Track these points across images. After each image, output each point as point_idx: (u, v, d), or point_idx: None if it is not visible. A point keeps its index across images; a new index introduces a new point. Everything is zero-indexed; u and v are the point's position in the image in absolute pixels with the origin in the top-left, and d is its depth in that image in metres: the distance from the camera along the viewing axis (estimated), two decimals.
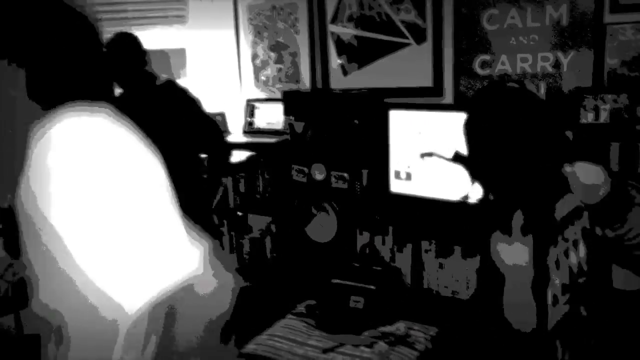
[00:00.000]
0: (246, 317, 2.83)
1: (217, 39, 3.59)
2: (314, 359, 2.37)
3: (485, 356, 1.91)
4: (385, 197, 2.84)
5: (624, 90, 2.23)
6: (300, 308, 2.80)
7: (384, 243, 2.86)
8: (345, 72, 3.19)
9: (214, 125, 3.15)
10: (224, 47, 3.61)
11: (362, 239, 2.93)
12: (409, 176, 2.78)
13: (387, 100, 2.86)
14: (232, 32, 3.58)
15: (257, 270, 3.31)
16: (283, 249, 3.24)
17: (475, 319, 2.13)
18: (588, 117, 2.27)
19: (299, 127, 3.02)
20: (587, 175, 1.32)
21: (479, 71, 2.77)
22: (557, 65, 2.55)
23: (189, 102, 3.00)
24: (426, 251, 2.76)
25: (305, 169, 3.02)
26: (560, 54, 2.55)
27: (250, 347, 2.49)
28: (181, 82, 3.22)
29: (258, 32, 3.49)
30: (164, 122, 2.67)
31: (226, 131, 3.49)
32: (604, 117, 2.22)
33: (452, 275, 2.70)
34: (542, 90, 2.60)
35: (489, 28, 2.74)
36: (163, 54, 3.62)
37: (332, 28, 3.20)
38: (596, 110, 2.23)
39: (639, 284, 1.57)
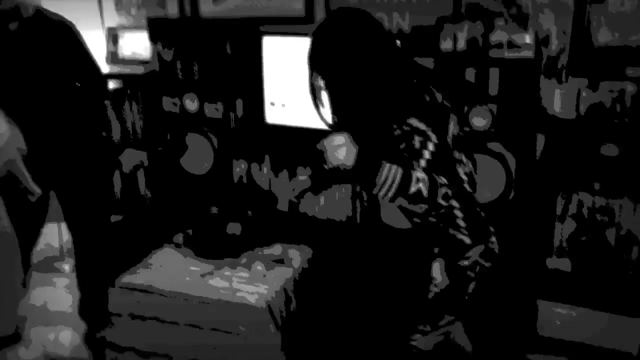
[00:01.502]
0: (121, 250, 2.77)
1: None
2: (192, 284, 2.38)
3: (357, 274, 2.06)
4: (260, 126, 2.86)
5: (479, 18, 2.42)
6: (178, 238, 2.78)
7: (260, 170, 2.90)
8: None
9: (94, 66, 2.80)
10: None
11: (239, 168, 2.94)
12: (284, 105, 2.81)
13: (259, 27, 2.82)
14: None
15: (131, 205, 3.20)
16: (158, 183, 3.15)
17: (350, 239, 2.27)
18: (447, 45, 2.44)
19: (168, 55, 2.89)
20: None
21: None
22: None
23: (66, 37, 2.46)
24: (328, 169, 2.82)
25: (177, 100, 2.92)
26: None
27: (125, 278, 2.43)
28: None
29: None
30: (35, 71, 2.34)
31: None
32: (461, 44, 2.40)
33: (326, 200, 2.82)
34: (407, 20, 2.74)
35: None
36: None
37: None
38: (454, 37, 2.40)
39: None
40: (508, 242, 2.30)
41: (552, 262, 2.26)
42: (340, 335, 2.50)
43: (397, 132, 1.61)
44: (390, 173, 1.52)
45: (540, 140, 2.43)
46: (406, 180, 1.52)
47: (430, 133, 1.58)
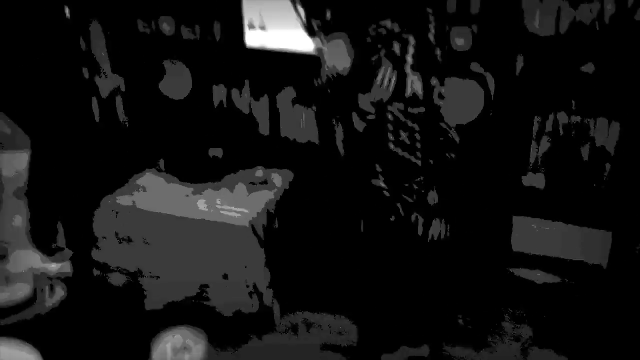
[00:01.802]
0: (103, 175, 2.77)
1: None
2: (176, 205, 2.42)
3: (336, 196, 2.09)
4: (240, 50, 2.80)
5: None
6: (160, 164, 2.78)
7: (241, 96, 2.87)
8: None
9: None
10: None
11: (219, 93, 2.91)
12: (263, 27, 2.75)
13: None
14: None
15: (110, 133, 3.16)
16: (136, 109, 3.11)
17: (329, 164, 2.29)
18: None
19: None
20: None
21: None
22: None
23: None
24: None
25: (153, 23, 2.83)
26: None
27: (109, 200, 2.45)
28: None
29: None
30: None
31: None
32: None
33: (307, 123, 2.82)
34: None
35: None
36: None
37: None
38: None
39: None
40: (486, 161, 2.38)
41: (528, 180, 2.32)
42: (320, 252, 2.58)
43: (372, 34, 1.63)
44: (386, 74, 1.53)
45: (520, 59, 2.45)
46: (401, 82, 1.54)
47: (407, 36, 1.59)
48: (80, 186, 2.64)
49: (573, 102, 2.17)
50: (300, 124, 2.79)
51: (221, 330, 2.32)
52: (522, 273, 2.46)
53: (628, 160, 2.16)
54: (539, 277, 2.42)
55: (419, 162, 1.83)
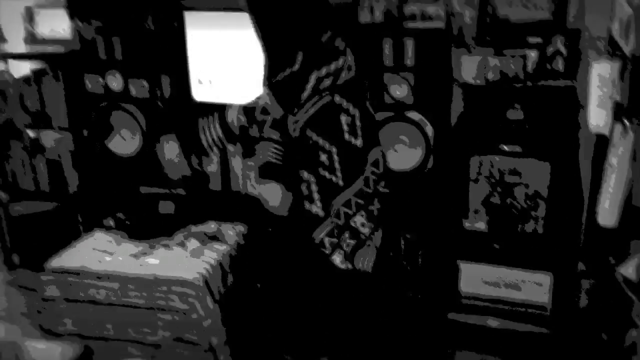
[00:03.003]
0: (50, 238, 2.72)
1: None
2: (126, 264, 2.39)
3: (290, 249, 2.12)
4: (188, 104, 2.85)
5: None
6: (109, 222, 2.75)
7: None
8: None
9: None
10: None
11: (170, 148, 2.92)
12: (211, 82, 2.80)
13: (182, 2, 2.79)
14: None
15: (57, 192, 3.12)
16: (85, 166, 3.09)
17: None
18: (365, 17, 2.51)
19: (89, 33, 2.81)
20: None
21: None
22: None
23: None
24: (234, 155, 2.86)
25: (100, 79, 2.85)
26: None
27: (55, 262, 2.40)
28: None
29: None
30: None
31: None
32: (378, 16, 2.48)
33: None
34: None
35: None
36: None
37: None
38: (372, 10, 2.47)
39: None
40: (428, 205, 2.45)
41: (469, 224, 2.41)
42: (276, 306, 2.57)
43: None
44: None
45: (455, 106, 2.58)
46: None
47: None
48: (26, 248, 2.59)
49: (504, 146, 2.29)
50: (249, 177, 2.82)
51: None
52: (470, 318, 2.52)
53: (559, 200, 2.27)
54: (488, 322, 2.48)
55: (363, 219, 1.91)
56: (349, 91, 1.83)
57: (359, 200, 1.90)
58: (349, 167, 1.86)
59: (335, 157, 1.84)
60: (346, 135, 1.84)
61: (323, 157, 1.84)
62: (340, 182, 1.86)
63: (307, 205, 1.91)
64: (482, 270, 2.44)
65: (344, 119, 1.83)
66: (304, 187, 1.89)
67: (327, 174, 1.86)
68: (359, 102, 1.86)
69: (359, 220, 1.91)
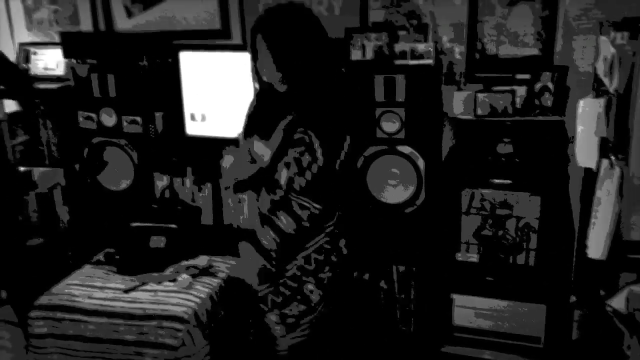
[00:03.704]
0: (40, 273, 2.68)
1: None
2: (115, 299, 2.36)
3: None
4: (181, 139, 2.87)
5: (385, 30, 2.58)
6: (99, 257, 2.73)
7: (183, 184, 2.90)
8: (129, 13, 3.07)
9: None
10: None
11: (162, 182, 2.93)
12: (203, 118, 2.84)
13: (176, 42, 2.85)
14: None
15: (49, 226, 3.10)
16: (76, 201, 3.07)
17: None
18: (357, 55, 2.57)
19: (83, 70, 2.85)
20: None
21: None
22: (330, 8, 2.82)
23: None
24: (226, 188, 2.87)
25: (94, 115, 2.88)
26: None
27: (44, 299, 2.36)
28: None
29: None
30: None
31: None
32: (369, 54, 2.54)
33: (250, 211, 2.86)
34: None
35: None
36: None
37: None
38: (363, 48, 2.54)
39: None
40: (421, 238, 2.47)
41: (461, 256, 2.42)
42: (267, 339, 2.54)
43: (298, 135, 1.81)
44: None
45: (445, 141, 2.62)
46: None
47: (319, 155, 1.79)
48: (14, 285, 2.55)
49: (496, 180, 2.33)
50: (243, 211, 2.83)
51: None
52: (464, 351, 2.50)
53: (550, 232, 2.29)
54: (484, 356, 2.46)
55: None
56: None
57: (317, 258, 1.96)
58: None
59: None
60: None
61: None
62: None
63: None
64: (475, 302, 2.44)
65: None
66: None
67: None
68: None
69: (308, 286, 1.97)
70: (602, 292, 2.08)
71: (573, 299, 2.45)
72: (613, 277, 2.05)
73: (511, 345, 2.44)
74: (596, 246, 2.02)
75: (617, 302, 1.96)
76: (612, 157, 1.97)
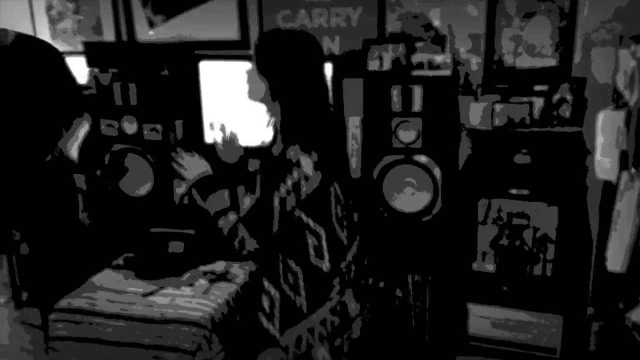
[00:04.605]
0: (60, 276, 2.73)
1: None
2: (134, 303, 2.39)
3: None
4: (200, 147, 2.91)
5: (402, 41, 2.60)
6: (118, 261, 2.77)
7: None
8: (151, 24, 3.14)
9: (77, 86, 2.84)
10: None
11: (181, 188, 2.97)
12: (222, 126, 2.87)
13: (197, 52, 2.90)
14: None
15: (69, 230, 3.15)
16: (96, 206, 3.13)
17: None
18: (374, 66, 2.60)
19: (105, 79, 2.91)
20: None
21: (282, 24, 2.96)
22: (347, 19, 2.85)
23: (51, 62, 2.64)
24: (243, 194, 2.90)
25: (115, 122, 2.94)
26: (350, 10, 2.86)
27: (64, 302, 2.40)
28: None
29: None
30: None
31: None
32: (386, 64, 2.57)
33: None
34: (337, 44, 2.89)
35: None
36: None
37: None
38: (380, 58, 2.57)
39: None
40: (436, 247, 2.47)
41: (477, 266, 2.42)
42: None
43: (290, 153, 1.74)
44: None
45: (462, 151, 2.63)
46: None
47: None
48: (36, 288, 2.59)
49: (513, 190, 2.33)
50: None
51: None
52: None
53: (568, 243, 2.29)
54: None
55: None
56: (312, 207, 1.78)
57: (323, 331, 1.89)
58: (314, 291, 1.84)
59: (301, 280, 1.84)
60: (312, 259, 1.82)
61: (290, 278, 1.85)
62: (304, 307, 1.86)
63: (264, 323, 1.95)
64: (491, 311, 2.44)
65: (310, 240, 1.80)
66: (265, 303, 1.92)
67: (292, 295, 1.86)
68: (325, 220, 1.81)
69: (320, 353, 1.91)
70: (621, 305, 2.07)
71: (591, 310, 2.43)
72: (632, 290, 2.03)
73: (527, 356, 2.43)
74: (615, 259, 2.02)
75: (637, 315, 1.95)
76: (633, 170, 1.97)
